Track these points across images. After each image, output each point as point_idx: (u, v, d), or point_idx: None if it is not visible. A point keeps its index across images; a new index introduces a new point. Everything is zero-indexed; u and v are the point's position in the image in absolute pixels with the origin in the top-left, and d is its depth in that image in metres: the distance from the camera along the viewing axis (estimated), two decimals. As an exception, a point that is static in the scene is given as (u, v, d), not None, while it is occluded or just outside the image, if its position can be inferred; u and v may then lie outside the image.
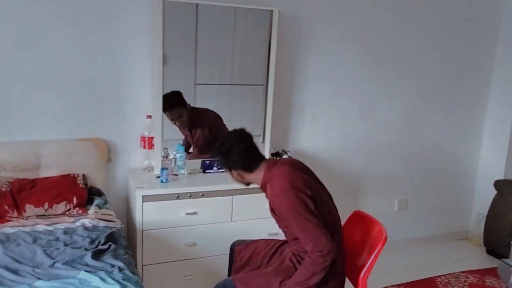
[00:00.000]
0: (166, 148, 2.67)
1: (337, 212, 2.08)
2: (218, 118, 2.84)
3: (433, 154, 3.71)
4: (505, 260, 2.66)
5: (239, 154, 1.99)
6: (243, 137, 2.02)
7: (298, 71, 3.11)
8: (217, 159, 2.07)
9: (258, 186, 2.05)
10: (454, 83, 3.64)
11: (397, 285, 3.06)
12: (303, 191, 1.87)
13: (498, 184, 3.56)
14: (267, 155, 2.91)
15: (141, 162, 2.76)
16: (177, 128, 2.78)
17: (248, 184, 2.11)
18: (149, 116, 2.68)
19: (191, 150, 2.85)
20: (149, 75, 2.68)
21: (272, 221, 2.65)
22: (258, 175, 2.01)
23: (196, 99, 2.78)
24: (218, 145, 2.03)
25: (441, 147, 3.72)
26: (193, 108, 2.77)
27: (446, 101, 3.64)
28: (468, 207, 3.97)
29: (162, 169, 2.50)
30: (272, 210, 2.00)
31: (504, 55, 3.65)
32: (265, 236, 2.65)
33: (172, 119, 2.72)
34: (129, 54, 2.66)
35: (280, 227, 2.08)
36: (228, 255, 2.32)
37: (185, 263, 2.55)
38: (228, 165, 2.04)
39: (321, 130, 3.25)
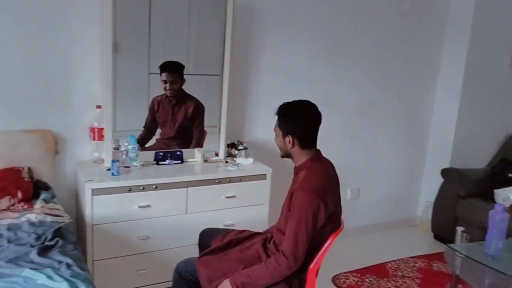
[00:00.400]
0: (118, 140, 2.58)
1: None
2: (203, 110, 2.81)
3: (384, 143, 3.82)
4: (451, 245, 2.77)
5: (309, 127, 1.97)
6: (320, 118, 1.99)
7: (254, 62, 3.09)
8: (285, 114, 1.98)
9: (295, 164, 2.03)
10: (404, 75, 3.75)
11: (349, 272, 3.14)
12: (326, 206, 1.87)
13: (444, 172, 3.71)
14: (222, 146, 2.89)
15: (91, 154, 2.66)
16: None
17: (286, 155, 2.05)
18: (99, 106, 2.59)
19: (148, 144, 2.78)
20: (98, 64, 2.58)
21: (228, 212, 2.68)
22: (303, 156, 1.99)
23: (150, 89, 2.71)
24: (295, 105, 1.98)
25: (391, 137, 3.84)
26: (185, 91, 2.75)
27: (398, 91, 3.75)
28: (416, 195, 4.13)
29: (113, 161, 2.42)
30: (291, 193, 1.95)
31: (451, 46, 3.79)
32: (221, 227, 2.65)
33: (165, 81, 2.68)
34: (78, 42, 2.55)
35: (283, 207, 2.05)
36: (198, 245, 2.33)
37: (139, 257, 2.49)
38: (291, 128, 1.95)
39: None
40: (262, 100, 3.18)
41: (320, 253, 1.97)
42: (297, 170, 2.02)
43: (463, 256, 2.66)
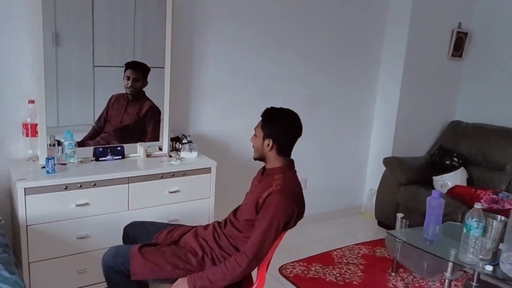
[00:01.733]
0: (53, 136, 2.48)
1: None
2: (158, 113, 2.80)
3: (329, 134, 3.89)
4: (391, 231, 2.88)
5: (290, 136, 2.04)
6: (301, 131, 2.07)
7: (196, 53, 3.04)
8: (271, 118, 2.02)
9: (268, 166, 2.06)
10: (347, 67, 3.83)
11: (296, 261, 3.18)
12: (298, 214, 1.96)
13: (386, 161, 3.83)
14: (165, 140, 2.83)
15: (25, 151, 2.53)
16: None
17: (259, 157, 2.07)
18: (32, 101, 2.45)
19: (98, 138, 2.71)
20: (31, 56, 2.44)
21: (172, 207, 2.64)
22: (277, 162, 2.04)
23: (96, 82, 2.62)
24: (282, 112, 2.03)
25: (337, 128, 3.91)
26: (144, 93, 2.76)
27: (341, 84, 3.83)
28: (361, 183, 4.25)
29: (47, 158, 2.31)
30: (266, 195, 1.93)
31: (392, 37, 3.90)
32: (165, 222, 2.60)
33: (128, 78, 2.68)
34: (7, 33, 2.40)
35: (246, 204, 2.06)
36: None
37: (78, 257, 2.40)
38: (273, 132, 2.00)
39: (221, 113, 3.23)
40: (206, 92, 3.14)
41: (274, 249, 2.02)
42: (270, 171, 2.05)
43: (403, 241, 2.77)
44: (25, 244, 2.24)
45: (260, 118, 2.07)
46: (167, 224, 2.26)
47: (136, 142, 2.78)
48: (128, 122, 2.79)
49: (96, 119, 2.70)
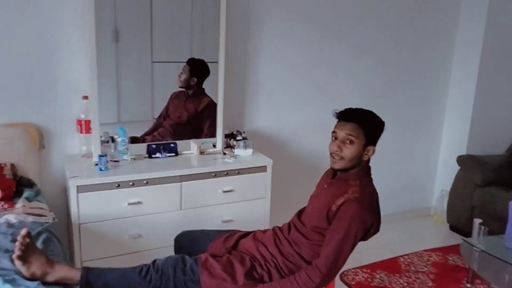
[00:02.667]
0: (107, 132, 2.43)
1: None
2: (216, 109, 2.71)
3: (395, 130, 3.59)
4: (467, 239, 2.57)
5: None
6: None
7: (253, 48, 2.90)
8: (372, 123, 1.84)
9: (351, 171, 1.83)
10: (415, 57, 3.51)
11: (358, 268, 2.95)
12: (372, 227, 1.77)
13: (460, 159, 3.48)
14: (220, 136, 2.71)
15: (79, 148, 2.51)
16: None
17: (350, 167, 1.81)
18: (86, 97, 2.41)
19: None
20: (85, 51, 2.40)
21: (226, 207, 2.51)
22: (362, 169, 1.85)
23: (154, 78, 2.60)
24: (375, 115, 1.87)
25: (403, 123, 3.61)
26: (201, 87, 2.70)
27: (407, 75, 3.51)
28: (431, 184, 3.91)
29: (100, 156, 2.27)
30: (333, 199, 1.77)
31: (467, 25, 3.53)
32: (218, 223, 2.50)
33: (185, 74, 2.64)
34: (63, 28, 2.38)
35: (314, 209, 1.88)
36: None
37: (130, 257, 2.32)
38: (375, 138, 1.85)
39: (278, 108, 3.06)
40: (262, 87, 2.98)
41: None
42: (344, 176, 1.84)
43: (481, 250, 2.46)
44: (78, 243, 2.21)
45: (348, 121, 1.81)
46: (218, 232, 2.11)
47: (193, 138, 2.70)
48: (185, 118, 2.74)
49: (155, 115, 2.69)
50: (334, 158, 1.81)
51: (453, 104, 3.69)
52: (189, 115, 2.75)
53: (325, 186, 1.90)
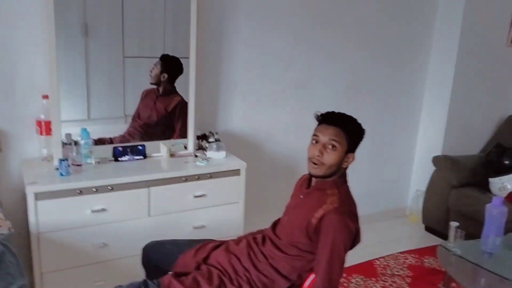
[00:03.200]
0: (69, 134, 2.28)
1: None
2: (186, 108, 2.59)
3: (372, 131, 3.52)
4: (444, 243, 2.53)
5: None
6: None
7: (227, 46, 2.77)
8: (354, 129, 1.74)
9: (329, 179, 1.71)
10: (391, 58, 3.45)
11: (335, 272, 2.88)
12: (357, 234, 1.68)
13: (436, 160, 3.46)
14: (191, 137, 2.59)
15: (39, 150, 2.34)
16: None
17: (329, 174, 1.70)
18: (45, 96, 2.25)
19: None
20: (45, 47, 2.23)
21: (198, 213, 2.39)
22: (340, 176, 1.75)
23: (126, 74, 2.48)
24: (356, 120, 1.78)
25: (379, 124, 3.56)
26: (173, 85, 2.59)
27: (383, 76, 3.45)
28: (406, 184, 3.88)
29: (61, 160, 2.11)
30: (311, 211, 1.67)
31: (444, 23, 3.49)
32: (190, 230, 2.38)
33: (158, 71, 2.53)
34: (21, 20, 2.20)
35: (285, 223, 1.78)
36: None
37: (95, 267, 2.20)
38: (356, 145, 1.76)
39: (252, 109, 2.95)
40: (237, 85, 2.86)
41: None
42: (320, 184, 1.74)
43: (457, 255, 2.43)
44: (37, 254, 2.05)
45: (331, 125, 1.71)
46: (190, 242, 1.97)
47: (164, 139, 2.58)
48: (155, 118, 2.61)
49: (126, 112, 2.57)
50: (314, 163, 1.70)
51: (429, 105, 3.66)
52: (159, 115, 2.62)
53: (301, 196, 1.80)
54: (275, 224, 1.87)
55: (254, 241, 1.85)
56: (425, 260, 3.12)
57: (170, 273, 1.74)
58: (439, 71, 3.55)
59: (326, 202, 1.66)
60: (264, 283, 1.72)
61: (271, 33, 2.89)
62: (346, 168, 1.76)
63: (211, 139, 2.60)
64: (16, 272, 1.68)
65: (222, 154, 2.55)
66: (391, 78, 3.49)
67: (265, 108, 2.99)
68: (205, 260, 1.84)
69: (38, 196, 2.00)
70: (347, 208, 1.68)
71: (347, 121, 1.72)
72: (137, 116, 2.58)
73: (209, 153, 2.54)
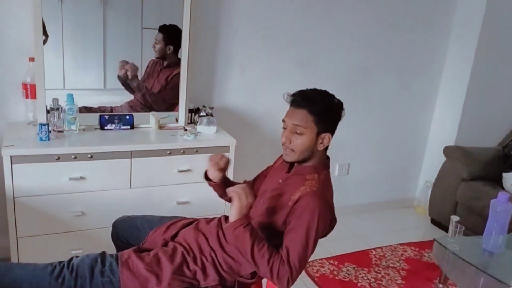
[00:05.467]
0: (57, 99, 2.22)
1: None
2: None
3: (381, 116, 3.36)
4: (440, 238, 2.38)
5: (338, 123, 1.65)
6: None
7: (226, 14, 2.64)
8: (328, 107, 1.58)
9: (307, 163, 1.62)
10: (407, 37, 3.24)
11: (325, 258, 2.78)
12: (330, 224, 1.59)
13: (447, 150, 3.26)
14: (182, 110, 2.50)
15: (26, 114, 2.31)
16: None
17: (303, 159, 1.61)
18: (32, 59, 2.20)
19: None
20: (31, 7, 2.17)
21: (182, 188, 2.32)
22: (319, 160, 1.63)
23: (144, 45, 2.45)
24: (332, 97, 1.62)
25: (390, 109, 3.37)
26: (177, 57, 2.49)
27: (397, 56, 3.25)
28: (416, 174, 3.71)
29: (41, 124, 2.06)
30: (288, 195, 1.58)
31: (465, 7, 3.25)
32: (173, 205, 2.32)
33: (158, 42, 2.45)
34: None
35: (259, 205, 1.68)
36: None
37: (72, 235, 2.17)
38: (332, 125, 1.61)
39: (251, 85, 2.83)
40: (235, 58, 2.74)
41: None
42: (300, 169, 1.63)
43: (452, 253, 2.27)
44: (12, 218, 2.03)
45: (297, 107, 1.58)
46: (162, 218, 1.89)
47: (162, 111, 2.51)
48: (157, 89, 2.54)
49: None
50: (285, 150, 1.61)
51: (446, 91, 3.45)
52: (160, 87, 2.55)
53: (280, 181, 1.69)
54: None
55: (225, 221, 1.75)
56: (425, 254, 2.97)
57: (132, 248, 1.67)
58: (458, 55, 3.32)
59: (305, 185, 1.56)
60: (230, 265, 1.64)
61: (274, 4, 2.74)
62: (325, 150, 1.63)
63: (202, 113, 2.50)
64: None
65: (212, 129, 2.45)
66: (406, 59, 3.29)
67: (264, 85, 2.86)
68: (174, 237, 1.76)
69: (14, 160, 1.96)
70: (325, 193, 1.59)
71: (315, 101, 1.57)
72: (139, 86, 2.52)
73: (199, 128, 2.45)
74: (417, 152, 3.63)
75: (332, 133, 1.62)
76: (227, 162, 1.77)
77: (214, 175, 1.80)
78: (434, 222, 3.44)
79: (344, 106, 1.64)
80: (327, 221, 1.55)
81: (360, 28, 3.04)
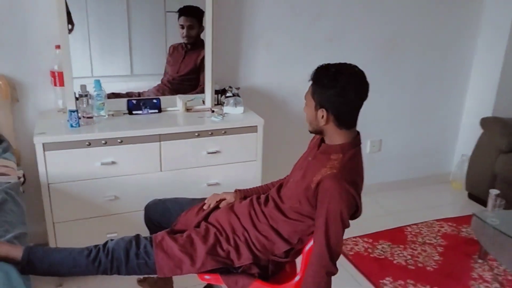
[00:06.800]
0: (84, 85, 2.23)
1: None
2: None
3: (413, 89, 3.25)
4: (479, 212, 2.30)
5: (350, 102, 1.50)
6: (367, 90, 1.53)
7: (249, -10, 2.59)
8: (322, 80, 1.50)
9: (327, 141, 1.58)
10: (439, 7, 3.09)
11: (360, 236, 2.74)
12: (356, 203, 1.52)
13: (484, 122, 3.14)
14: (208, 92, 2.48)
15: (56, 102, 2.34)
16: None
17: (316, 131, 1.60)
18: (58, 46, 2.21)
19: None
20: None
21: (212, 170, 2.31)
22: (339, 137, 1.55)
23: (168, 29, 2.44)
24: (338, 70, 1.50)
25: (422, 81, 3.25)
26: (201, 38, 2.45)
27: (429, 25, 3.11)
28: (451, 147, 3.58)
29: (70, 111, 2.08)
30: (312, 175, 1.53)
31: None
32: (204, 187, 2.32)
33: (182, 26, 2.43)
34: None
35: (290, 185, 1.66)
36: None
37: (107, 219, 2.20)
38: (328, 99, 1.49)
39: (277, 63, 2.78)
40: (260, 37, 2.69)
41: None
42: (326, 148, 1.58)
43: (493, 227, 2.20)
44: (48, 204, 2.08)
45: (310, 82, 1.55)
46: (193, 200, 1.90)
47: (190, 94, 2.50)
48: (184, 72, 2.53)
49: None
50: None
51: (480, 59, 3.29)
52: (187, 70, 2.54)
53: (310, 158, 1.64)
54: (280, 186, 1.74)
55: (257, 200, 1.74)
56: (463, 230, 2.88)
57: (165, 230, 1.68)
58: (494, 20, 3.15)
59: (326, 166, 1.50)
60: (263, 244, 1.62)
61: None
62: (326, 125, 1.53)
63: (229, 94, 2.47)
64: (16, 221, 1.69)
65: (239, 109, 2.43)
66: (438, 29, 3.15)
67: (291, 62, 2.80)
68: (206, 218, 1.76)
69: (46, 147, 2.00)
70: (347, 174, 1.49)
71: (318, 73, 1.53)
72: (165, 70, 2.51)
73: (226, 108, 2.43)
74: (452, 125, 3.50)
75: (332, 110, 1.50)
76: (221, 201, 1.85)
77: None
78: (471, 196, 3.33)
79: (372, 80, 1.56)
80: (350, 202, 1.48)
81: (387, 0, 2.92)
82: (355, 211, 1.54)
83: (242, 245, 1.62)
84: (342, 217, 1.46)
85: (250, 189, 1.92)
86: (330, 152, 1.55)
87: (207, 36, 2.38)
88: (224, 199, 1.84)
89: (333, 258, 1.49)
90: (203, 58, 2.49)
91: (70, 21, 2.18)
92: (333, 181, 1.45)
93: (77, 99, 2.20)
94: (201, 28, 2.43)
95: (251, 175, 2.41)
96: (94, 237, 2.17)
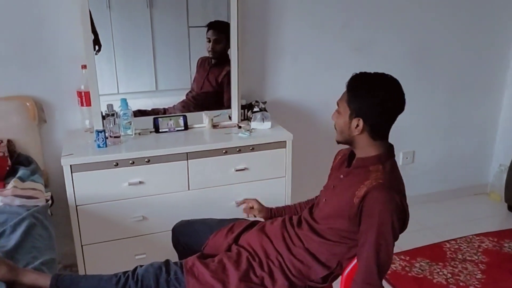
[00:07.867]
0: (111, 104, 2.21)
1: None
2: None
3: (445, 97, 3.13)
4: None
5: (387, 112, 1.46)
6: (403, 101, 1.49)
7: (273, 5, 2.53)
8: (361, 89, 1.46)
9: (359, 154, 1.53)
10: (471, 11, 2.97)
11: (396, 254, 2.62)
12: (407, 213, 1.46)
13: (524, 130, 2.99)
14: (235, 107, 2.43)
15: (83, 122, 2.32)
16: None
17: (345, 141, 1.54)
18: (84, 66, 2.20)
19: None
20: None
21: (239, 187, 2.24)
22: (372, 149, 1.49)
23: (191, 44, 2.43)
24: (377, 79, 1.47)
25: (456, 90, 3.13)
26: (226, 53, 2.42)
27: (463, 30, 2.99)
28: (488, 157, 3.43)
29: (97, 131, 2.06)
30: (352, 191, 1.45)
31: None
32: (232, 205, 2.24)
33: (209, 40, 2.41)
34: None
35: (322, 205, 1.59)
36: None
37: (135, 240, 2.16)
38: (366, 108, 1.44)
39: (304, 75, 2.70)
40: (286, 51, 2.63)
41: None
42: (361, 162, 1.51)
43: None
44: (76, 226, 2.05)
45: (345, 89, 1.50)
46: (221, 221, 1.84)
47: (215, 110, 2.45)
48: (208, 88, 2.50)
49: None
50: (335, 129, 1.57)
51: (518, 65, 3.15)
52: (212, 86, 2.50)
53: (341, 176, 1.56)
54: (311, 208, 1.66)
55: (290, 221, 1.66)
56: (505, 245, 2.73)
57: (195, 255, 1.62)
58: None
59: (369, 179, 1.42)
60: (299, 269, 1.54)
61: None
62: (359, 135, 1.47)
63: (256, 109, 2.41)
64: (44, 246, 1.66)
65: (267, 124, 2.36)
66: (471, 34, 3.02)
67: (318, 73, 2.72)
68: (236, 240, 1.69)
69: (74, 168, 1.97)
70: (394, 184, 1.44)
71: (355, 81, 1.48)
72: (191, 86, 2.49)
73: (253, 124, 2.36)
74: (488, 134, 3.35)
75: (368, 120, 1.44)
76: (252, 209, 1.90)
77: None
78: (511, 209, 3.17)
79: (404, 91, 1.48)
80: (401, 212, 1.41)
81: (420, 3, 2.82)
82: (402, 224, 1.45)
83: (277, 270, 1.54)
84: (393, 227, 1.38)
85: (278, 208, 1.86)
86: (367, 165, 1.48)
87: (233, 48, 2.33)
88: (252, 207, 1.87)
89: (382, 274, 1.40)
90: (226, 74, 2.45)
91: (97, 42, 2.18)
92: (383, 191, 1.38)
93: (104, 118, 2.18)
94: (227, 44, 2.38)
95: (280, 192, 2.34)
96: (123, 258, 2.16)
